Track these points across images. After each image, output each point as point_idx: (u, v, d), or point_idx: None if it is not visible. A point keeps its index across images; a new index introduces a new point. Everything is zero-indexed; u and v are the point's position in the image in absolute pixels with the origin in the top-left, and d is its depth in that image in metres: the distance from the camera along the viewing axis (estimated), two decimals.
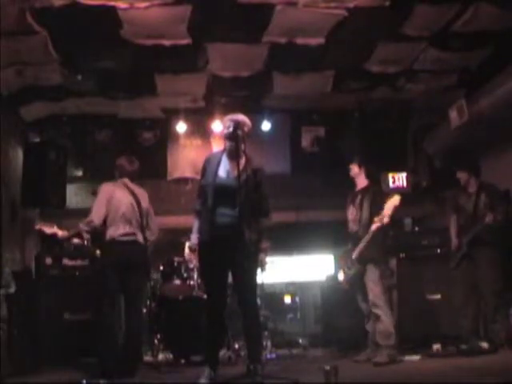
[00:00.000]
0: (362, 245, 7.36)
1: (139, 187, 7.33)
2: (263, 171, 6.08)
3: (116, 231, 6.88)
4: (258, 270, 6.17)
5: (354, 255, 7.45)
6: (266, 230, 6.04)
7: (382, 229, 7.29)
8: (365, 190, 7.74)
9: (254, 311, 5.96)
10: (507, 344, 7.24)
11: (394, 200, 7.22)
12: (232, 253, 5.66)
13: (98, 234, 7.00)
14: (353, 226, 7.69)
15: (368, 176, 7.84)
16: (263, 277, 7.65)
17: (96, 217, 6.88)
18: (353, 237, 7.63)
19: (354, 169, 7.84)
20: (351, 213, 7.76)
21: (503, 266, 7.64)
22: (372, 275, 7.32)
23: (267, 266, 6.41)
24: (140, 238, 7.03)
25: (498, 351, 7.18)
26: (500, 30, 7.94)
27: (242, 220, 5.64)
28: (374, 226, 7.27)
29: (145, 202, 7.24)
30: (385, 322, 7.23)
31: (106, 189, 7.08)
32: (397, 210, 7.26)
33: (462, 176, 8.06)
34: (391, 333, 7.22)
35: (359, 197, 7.69)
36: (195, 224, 6.12)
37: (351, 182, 7.89)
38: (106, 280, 6.80)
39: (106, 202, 6.94)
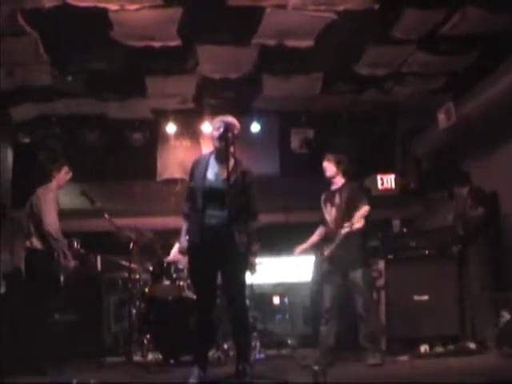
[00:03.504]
0: (333, 245, 7.38)
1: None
2: (252, 173, 6.09)
3: None
4: (248, 272, 6.17)
5: (326, 253, 7.47)
6: (256, 231, 6.06)
7: (359, 233, 7.28)
8: (342, 188, 7.54)
9: (242, 312, 6.00)
10: (496, 344, 7.26)
11: (364, 210, 7.20)
12: (221, 254, 5.71)
13: None
14: (333, 226, 7.49)
15: (344, 174, 7.61)
16: (252, 278, 7.64)
17: None
18: (331, 236, 7.50)
19: (331, 168, 7.59)
20: (329, 213, 7.55)
21: (495, 265, 7.69)
22: (362, 279, 7.28)
23: (257, 268, 6.39)
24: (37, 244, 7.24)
25: (485, 352, 7.23)
26: (487, 33, 8.00)
27: (232, 221, 5.68)
28: (343, 231, 7.24)
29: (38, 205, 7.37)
30: (374, 325, 7.30)
31: None
32: (366, 219, 7.22)
33: (463, 191, 8.15)
34: (379, 335, 7.27)
35: (337, 196, 7.49)
36: (184, 227, 6.13)
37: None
38: None
39: None
